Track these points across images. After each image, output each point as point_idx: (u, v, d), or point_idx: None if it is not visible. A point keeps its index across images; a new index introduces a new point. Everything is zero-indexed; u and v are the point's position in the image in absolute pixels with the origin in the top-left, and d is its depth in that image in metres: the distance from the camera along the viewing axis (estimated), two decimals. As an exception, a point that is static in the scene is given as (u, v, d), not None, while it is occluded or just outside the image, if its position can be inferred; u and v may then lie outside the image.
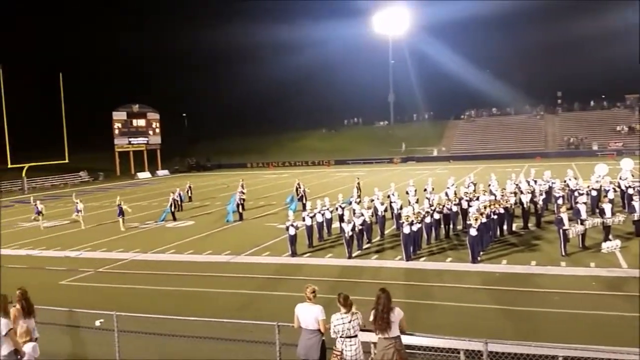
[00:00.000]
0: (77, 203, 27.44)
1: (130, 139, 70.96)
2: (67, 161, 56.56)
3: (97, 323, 10.99)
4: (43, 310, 9.69)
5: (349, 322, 7.36)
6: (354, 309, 7.45)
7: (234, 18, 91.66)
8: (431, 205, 19.17)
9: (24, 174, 54.15)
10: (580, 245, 16.70)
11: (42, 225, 27.01)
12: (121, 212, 25.52)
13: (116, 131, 69.54)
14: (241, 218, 26.47)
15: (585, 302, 12.01)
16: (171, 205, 28.22)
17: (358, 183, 28.89)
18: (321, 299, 7.81)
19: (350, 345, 7.37)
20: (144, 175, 67.45)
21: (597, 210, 18.47)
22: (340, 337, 7.40)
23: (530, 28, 78.52)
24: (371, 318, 7.43)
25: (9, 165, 51.18)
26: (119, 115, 69.87)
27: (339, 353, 7.39)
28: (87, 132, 75.07)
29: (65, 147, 55.62)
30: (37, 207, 27.28)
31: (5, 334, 7.30)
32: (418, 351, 8.36)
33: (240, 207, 26.97)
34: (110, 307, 10.01)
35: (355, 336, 7.43)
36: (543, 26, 75.41)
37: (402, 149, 70.43)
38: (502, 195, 20.95)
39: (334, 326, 7.41)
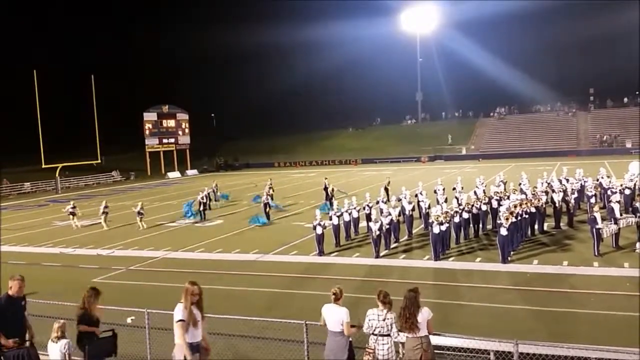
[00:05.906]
0: (102, 205, 27.64)
1: (160, 139, 72.04)
2: (99, 161, 57.64)
3: (129, 320, 11.16)
4: (76, 307, 9.88)
5: (383, 319, 7.34)
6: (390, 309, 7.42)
7: (261, 18, 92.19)
8: (460, 205, 19.01)
9: (57, 174, 55.32)
10: (614, 245, 16.36)
11: (75, 224, 27.54)
12: (139, 213, 26.30)
13: (147, 132, 70.57)
14: (268, 218, 26.50)
15: (619, 303, 11.75)
16: (200, 205, 28.46)
17: (387, 183, 28.77)
18: (348, 298, 7.79)
19: (383, 344, 7.34)
20: (174, 174, 68.26)
21: (631, 209, 18.07)
22: (373, 334, 7.38)
23: (561, 24, 76.74)
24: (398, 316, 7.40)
25: (43, 166, 52.29)
26: (150, 116, 70.90)
27: (371, 351, 7.37)
28: (119, 132, 76.50)
29: (97, 147, 56.71)
30: (71, 208, 27.89)
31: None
32: (447, 352, 8.29)
33: (268, 206, 27.01)
34: (141, 304, 10.14)
35: (388, 335, 7.39)
36: (575, 22, 73.56)
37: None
38: (534, 194, 20.66)
39: (368, 320, 7.39)
